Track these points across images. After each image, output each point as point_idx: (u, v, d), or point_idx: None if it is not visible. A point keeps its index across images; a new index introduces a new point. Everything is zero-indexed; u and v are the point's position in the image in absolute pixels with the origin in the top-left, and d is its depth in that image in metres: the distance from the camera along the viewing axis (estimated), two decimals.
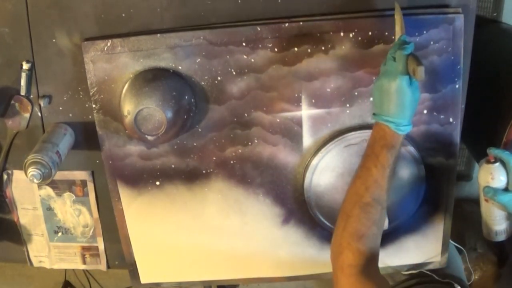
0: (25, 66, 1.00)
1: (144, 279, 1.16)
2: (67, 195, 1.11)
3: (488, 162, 0.93)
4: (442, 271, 1.13)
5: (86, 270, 1.83)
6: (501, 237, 0.97)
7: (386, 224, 0.97)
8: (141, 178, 1.05)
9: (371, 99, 0.98)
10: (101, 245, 1.16)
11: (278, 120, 1.00)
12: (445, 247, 1.11)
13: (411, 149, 1.00)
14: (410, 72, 0.80)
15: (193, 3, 0.95)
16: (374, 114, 0.85)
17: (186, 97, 0.97)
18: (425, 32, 0.94)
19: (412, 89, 0.81)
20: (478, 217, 1.03)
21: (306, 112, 0.99)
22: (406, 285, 1.14)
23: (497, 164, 0.92)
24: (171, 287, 1.18)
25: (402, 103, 0.81)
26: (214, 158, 1.03)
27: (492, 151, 0.93)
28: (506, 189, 0.92)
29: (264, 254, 1.12)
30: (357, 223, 0.83)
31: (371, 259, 0.82)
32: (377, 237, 0.84)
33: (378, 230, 0.84)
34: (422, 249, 1.11)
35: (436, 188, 1.05)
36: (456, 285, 1.07)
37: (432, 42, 0.94)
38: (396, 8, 0.87)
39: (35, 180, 0.94)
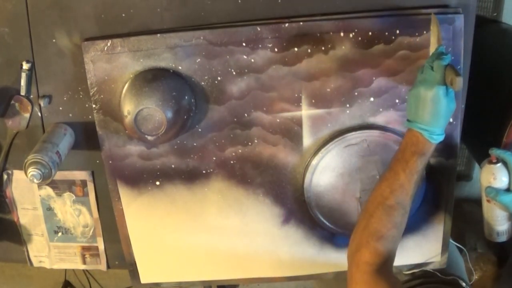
0: (25, 66, 1.00)
1: (144, 279, 1.16)
2: (67, 195, 1.11)
3: (490, 162, 0.93)
4: (444, 270, 1.13)
5: (86, 270, 1.84)
6: (503, 238, 0.97)
7: None
8: (141, 178, 1.05)
9: (371, 99, 0.98)
10: (101, 245, 1.16)
11: (278, 120, 1.00)
12: (445, 247, 1.11)
13: None
14: (448, 82, 0.81)
15: (193, 3, 0.95)
16: (408, 120, 0.86)
17: (186, 97, 0.97)
18: (425, 32, 0.94)
19: (448, 99, 0.83)
20: (478, 217, 1.03)
21: (306, 112, 0.99)
22: (410, 285, 1.13)
23: (499, 164, 0.92)
24: (171, 287, 1.18)
25: (438, 112, 0.83)
26: (214, 158, 1.03)
27: (494, 152, 0.93)
28: (508, 190, 0.92)
29: (264, 254, 1.12)
30: (378, 224, 0.84)
31: (387, 260, 0.84)
32: (396, 239, 0.86)
33: (398, 233, 0.85)
34: (422, 249, 1.11)
35: (436, 188, 1.05)
36: (461, 281, 1.06)
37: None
38: (432, 19, 0.89)
39: (35, 180, 0.94)
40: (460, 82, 0.78)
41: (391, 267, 0.85)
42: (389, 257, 0.84)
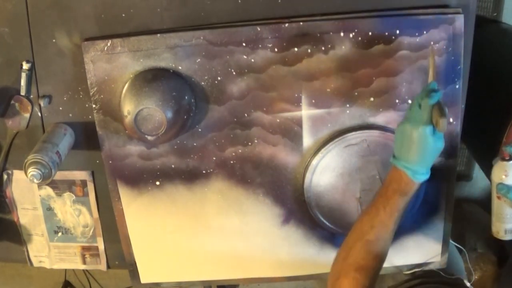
0: (25, 66, 1.00)
1: (144, 279, 1.16)
2: (67, 195, 1.11)
3: (503, 159, 0.92)
4: (444, 271, 1.12)
5: (86, 270, 1.83)
6: (511, 236, 0.97)
7: None
8: (141, 178, 1.05)
9: (371, 99, 0.98)
10: (101, 245, 1.16)
11: (278, 120, 1.00)
12: (445, 247, 1.11)
13: None
14: (434, 122, 0.80)
15: (193, 3, 0.95)
16: (393, 156, 0.85)
17: (186, 97, 0.97)
18: (425, 32, 0.94)
19: (435, 139, 0.81)
20: (478, 217, 1.03)
21: (306, 112, 0.99)
22: (410, 284, 1.13)
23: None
24: (171, 287, 1.18)
25: (423, 151, 0.81)
26: (214, 158, 1.03)
27: (508, 149, 0.92)
28: None
29: (264, 254, 1.12)
30: (357, 256, 0.84)
31: None
32: (377, 270, 0.85)
33: (379, 264, 0.85)
34: (422, 249, 1.11)
35: (436, 188, 1.05)
36: (465, 281, 1.06)
37: (432, 42, 0.94)
38: (430, 52, 0.88)
39: (35, 180, 0.94)
40: (444, 124, 0.77)
41: None
42: (369, 286, 0.83)
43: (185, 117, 0.98)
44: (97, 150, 1.04)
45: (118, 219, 1.09)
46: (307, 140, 1.02)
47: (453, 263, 1.14)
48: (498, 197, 0.95)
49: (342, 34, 0.94)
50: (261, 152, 1.03)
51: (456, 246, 1.20)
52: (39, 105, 1.03)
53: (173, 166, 1.04)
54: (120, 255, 1.14)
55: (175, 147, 1.02)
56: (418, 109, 0.81)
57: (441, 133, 0.81)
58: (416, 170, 0.82)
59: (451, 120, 0.99)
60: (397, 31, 0.94)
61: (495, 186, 0.94)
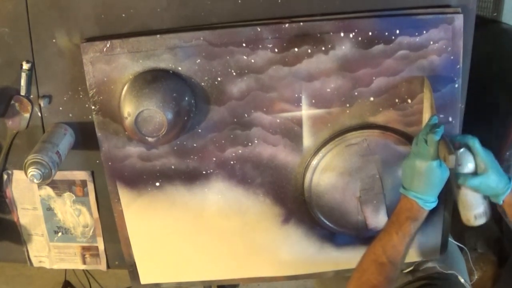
0: (25, 66, 1.00)
1: (144, 279, 1.16)
2: (67, 195, 1.11)
3: (456, 149, 0.92)
4: (444, 268, 1.13)
5: (86, 270, 1.83)
6: (482, 220, 0.97)
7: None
8: (141, 179, 1.05)
9: (371, 98, 0.98)
10: (101, 245, 1.16)
11: (278, 121, 1.00)
12: (444, 246, 1.12)
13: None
14: (441, 157, 0.86)
15: (193, 3, 0.95)
16: (403, 188, 0.91)
17: (186, 98, 0.97)
18: (425, 32, 0.94)
19: (442, 170, 0.88)
20: None
21: (306, 112, 1.00)
22: (408, 279, 1.13)
23: (463, 149, 0.92)
24: (171, 287, 1.18)
25: (432, 182, 0.88)
26: (214, 158, 1.03)
27: (457, 138, 0.94)
28: (475, 173, 0.92)
29: (264, 254, 1.12)
30: (370, 277, 0.90)
31: None
32: None
33: (389, 285, 0.91)
34: (421, 247, 1.11)
35: None
36: (460, 277, 1.07)
37: (431, 42, 0.94)
38: (425, 83, 0.91)
39: (35, 180, 0.94)
40: (452, 160, 0.83)
41: None
42: None
43: (186, 118, 0.97)
44: (97, 150, 1.04)
45: (117, 220, 1.09)
46: (307, 140, 1.02)
47: (454, 262, 1.15)
48: (458, 187, 0.95)
49: (342, 34, 0.94)
50: (261, 152, 1.03)
51: (458, 245, 1.20)
52: (39, 105, 1.03)
53: (173, 167, 1.04)
54: (120, 255, 1.14)
55: (175, 148, 1.02)
56: (425, 145, 0.87)
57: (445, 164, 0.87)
58: (427, 199, 0.89)
59: (450, 119, 0.99)
60: (397, 31, 0.94)
61: (452, 178, 0.94)
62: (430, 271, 1.12)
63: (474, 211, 0.96)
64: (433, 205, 0.90)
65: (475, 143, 0.92)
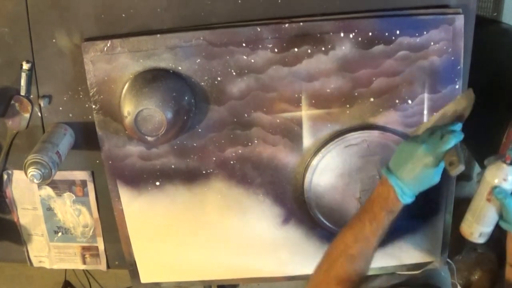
0: (25, 66, 1.00)
1: (144, 279, 1.16)
2: (67, 195, 1.11)
3: (504, 162, 0.90)
4: (426, 280, 1.12)
5: (86, 270, 1.83)
6: (482, 240, 0.94)
7: None
8: (141, 179, 1.05)
9: (371, 99, 0.98)
10: (101, 245, 1.16)
11: (278, 121, 1.00)
12: (444, 247, 1.12)
13: None
14: (446, 161, 0.80)
15: (193, 3, 0.95)
16: (387, 168, 0.84)
17: (186, 97, 0.97)
18: (425, 32, 0.94)
19: (435, 172, 0.81)
20: None
21: (306, 112, 0.99)
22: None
23: None
24: (171, 287, 1.18)
25: (421, 178, 0.81)
26: (214, 158, 1.03)
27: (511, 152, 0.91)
28: None
29: (264, 254, 1.12)
30: (339, 270, 0.84)
31: None
32: (357, 284, 0.85)
33: (359, 280, 0.85)
34: (421, 249, 1.11)
35: (436, 188, 1.05)
36: None
37: (432, 43, 0.94)
38: (468, 94, 0.86)
39: (35, 180, 0.94)
40: (458, 171, 0.78)
41: None
42: None
43: (185, 117, 0.98)
44: (97, 150, 1.04)
45: (118, 219, 1.09)
46: (307, 140, 1.02)
47: (437, 274, 1.14)
48: (488, 200, 0.92)
49: (342, 34, 0.94)
50: (261, 152, 1.03)
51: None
52: (39, 105, 1.03)
53: (173, 166, 1.04)
54: (120, 255, 1.15)
55: (175, 147, 1.02)
56: (439, 140, 0.81)
57: (441, 169, 0.81)
58: (406, 191, 0.82)
59: None
60: (397, 31, 0.94)
61: (488, 187, 0.91)
62: (411, 282, 1.11)
63: (483, 228, 0.93)
64: (409, 200, 0.82)
65: None
